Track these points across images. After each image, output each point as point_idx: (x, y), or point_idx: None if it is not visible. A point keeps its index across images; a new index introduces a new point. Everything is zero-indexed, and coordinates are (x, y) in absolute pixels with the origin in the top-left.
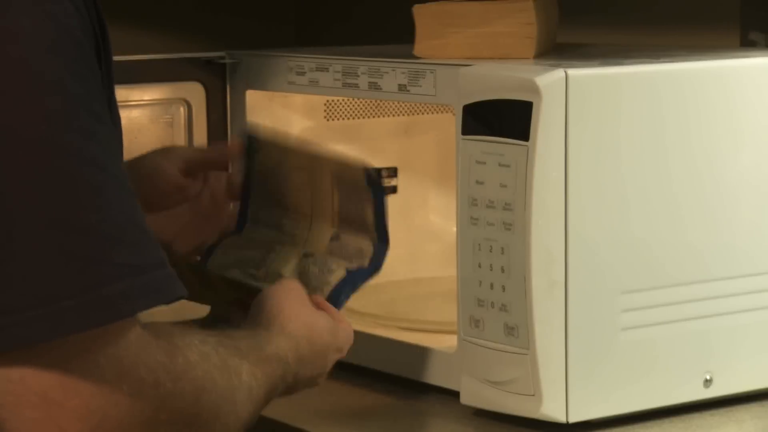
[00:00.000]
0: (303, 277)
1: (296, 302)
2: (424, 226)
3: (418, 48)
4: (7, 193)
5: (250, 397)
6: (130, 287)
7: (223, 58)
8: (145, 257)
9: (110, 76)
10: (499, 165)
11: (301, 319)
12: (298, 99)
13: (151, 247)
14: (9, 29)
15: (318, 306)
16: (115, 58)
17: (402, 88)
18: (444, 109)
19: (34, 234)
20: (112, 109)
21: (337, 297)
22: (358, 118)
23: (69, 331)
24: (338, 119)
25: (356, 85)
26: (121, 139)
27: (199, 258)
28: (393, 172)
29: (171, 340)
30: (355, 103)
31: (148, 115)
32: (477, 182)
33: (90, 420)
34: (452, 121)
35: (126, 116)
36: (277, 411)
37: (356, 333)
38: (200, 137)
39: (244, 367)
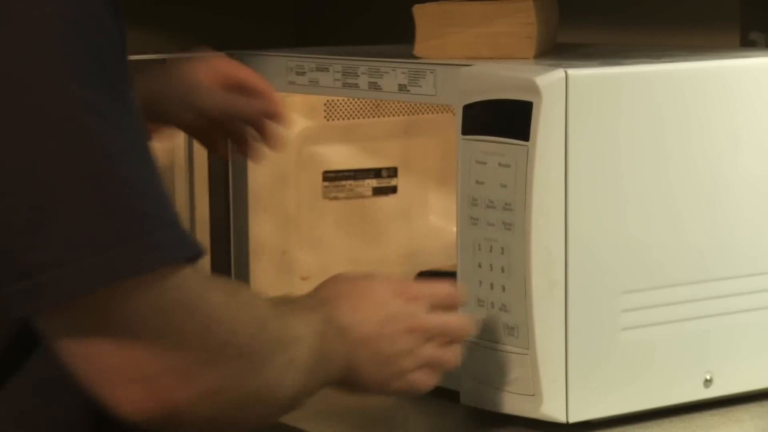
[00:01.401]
0: None
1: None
2: (424, 226)
3: (418, 48)
4: (49, 153)
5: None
6: (170, 236)
7: None
8: (172, 214)
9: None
10: (499, 165)
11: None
12: (298, 99)
13: (172, 206)
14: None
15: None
16: None
17: (402, 88)
18: (444, 109)
19: (77, 187)
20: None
21: None
22: (358, 118)
23: (126, 276)
24: (338, 119)
25: (356, 85)
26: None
27: None
28: (393, 172)
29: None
30: (355, 103)
31: None
32: (477, 182)
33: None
34: (452, 121)
35: None
36: None
37: None
38: None
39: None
